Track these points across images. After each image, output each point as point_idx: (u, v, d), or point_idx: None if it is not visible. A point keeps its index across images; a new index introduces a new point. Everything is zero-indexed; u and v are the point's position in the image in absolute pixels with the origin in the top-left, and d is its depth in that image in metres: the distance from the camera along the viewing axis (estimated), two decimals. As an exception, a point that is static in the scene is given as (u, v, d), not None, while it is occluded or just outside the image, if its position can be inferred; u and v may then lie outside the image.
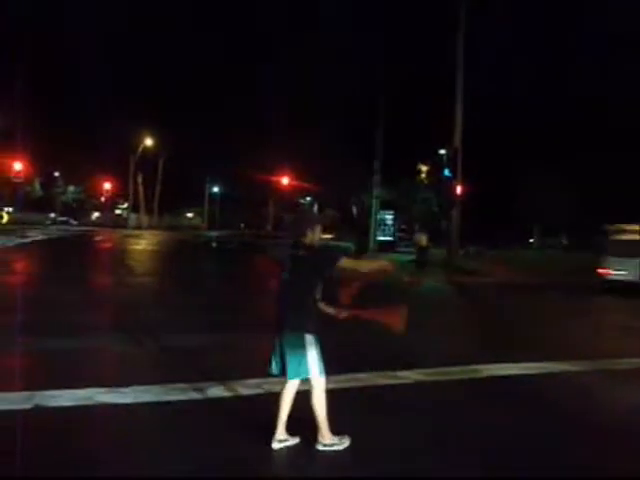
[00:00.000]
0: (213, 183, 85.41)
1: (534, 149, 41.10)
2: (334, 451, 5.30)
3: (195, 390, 6.97)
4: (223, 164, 63.40)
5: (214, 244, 41.68)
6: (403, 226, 43.51)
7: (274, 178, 62.80)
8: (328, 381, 5.38)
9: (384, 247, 40.98)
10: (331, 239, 64.01)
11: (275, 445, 5.31)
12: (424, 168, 49.70)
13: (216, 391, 6.98)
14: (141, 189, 78.11)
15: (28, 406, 6.20)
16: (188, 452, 5.25)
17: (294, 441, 5.39)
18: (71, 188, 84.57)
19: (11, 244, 32.13)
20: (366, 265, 5.50)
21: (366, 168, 41.46)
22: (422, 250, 22.28)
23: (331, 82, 39.36)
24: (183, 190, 77.57)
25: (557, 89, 38.59)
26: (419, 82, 36.52)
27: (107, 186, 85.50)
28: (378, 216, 42.63)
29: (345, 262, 5.28)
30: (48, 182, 78.52)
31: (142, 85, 60.64)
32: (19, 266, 22.12)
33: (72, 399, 6.49)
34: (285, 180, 62.34)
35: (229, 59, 59.71)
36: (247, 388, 7.09)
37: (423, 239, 22.43)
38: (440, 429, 6.29)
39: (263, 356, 5.64)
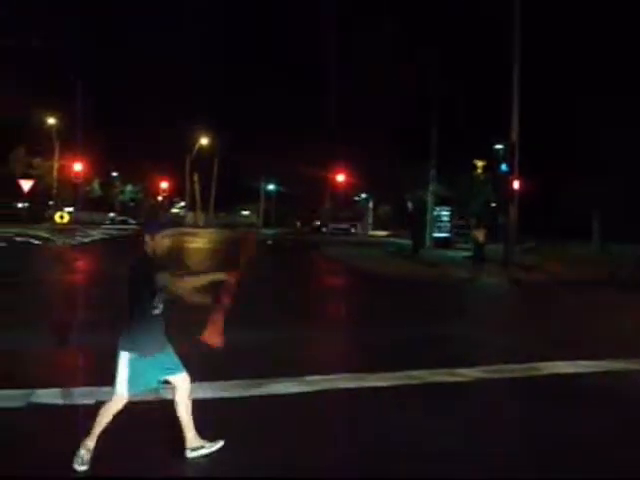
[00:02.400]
0: (268, 181, 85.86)
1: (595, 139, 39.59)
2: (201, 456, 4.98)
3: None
4: (279, 161, 63.72)
5: (269, 242, 41.90)
6: (461, 222, 42.52)
7: (330, 175, 62.88)
8: (382, 378, 5.24)
9: (440, 243, 40.48)
10: (387, 235, 63.80)
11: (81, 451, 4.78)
12: (480, 163, 48.95)
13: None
14: (197, 188, 79.12)
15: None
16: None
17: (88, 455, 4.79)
18: (129, 187, 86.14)
19: (73, 243, 32.90)
20: (186, 292, 4.85)
21: (422, 164, 41.12)
22: (479, 246, 21.91)
23: (387, 80, 39.25)
24: (238, 188, 78.29)
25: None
26: (475, 77, 36.02)
27: (164, 185, 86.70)
28: (434, 212, 42.18)
29: (169, 281, 4.73)
30: (107, 182, 80.00)
31: (198, 85, 61.40)
32: (80, 265, 22.61)
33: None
34: (341, 177, 62.32)
35: (287, 58, 60.06)
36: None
37: (480, 235, 22.01)
38: (496, 429, 6.15)
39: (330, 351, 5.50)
